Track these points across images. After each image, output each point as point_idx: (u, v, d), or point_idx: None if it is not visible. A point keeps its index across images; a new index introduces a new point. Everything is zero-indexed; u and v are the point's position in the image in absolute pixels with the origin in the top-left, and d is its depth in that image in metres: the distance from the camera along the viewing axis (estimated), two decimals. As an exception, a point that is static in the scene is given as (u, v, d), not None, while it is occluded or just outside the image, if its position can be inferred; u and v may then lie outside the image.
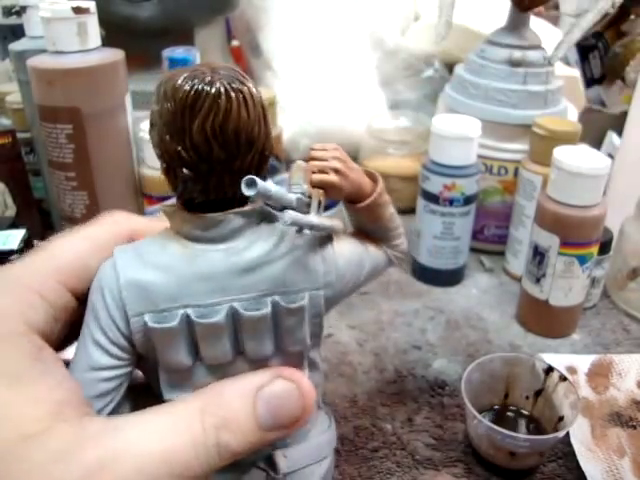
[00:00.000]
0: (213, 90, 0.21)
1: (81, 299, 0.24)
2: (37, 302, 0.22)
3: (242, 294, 0.23)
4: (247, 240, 0.23)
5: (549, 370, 0.40)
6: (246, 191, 0.21)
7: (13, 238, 0.49)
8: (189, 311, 0.23)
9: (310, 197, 0.24)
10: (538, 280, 0.50)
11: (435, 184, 0.54)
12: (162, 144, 0.22)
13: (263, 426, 0.21)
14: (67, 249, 0.24)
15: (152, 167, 0.51)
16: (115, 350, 0.23)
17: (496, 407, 0.42)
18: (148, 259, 0.23)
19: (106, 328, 0.23)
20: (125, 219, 0.26)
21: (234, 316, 0.23)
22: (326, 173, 0.25)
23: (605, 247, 0.52)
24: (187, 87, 0.21)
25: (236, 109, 0.21)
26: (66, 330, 0.24)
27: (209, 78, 0.21)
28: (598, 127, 0.76)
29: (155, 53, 0.54)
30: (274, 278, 0.23)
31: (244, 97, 0.22)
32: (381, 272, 0.30)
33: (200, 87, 0.21)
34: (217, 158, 0.22)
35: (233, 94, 0.21)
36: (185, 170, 0.22)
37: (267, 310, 0.23)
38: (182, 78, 0.21)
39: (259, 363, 0.24)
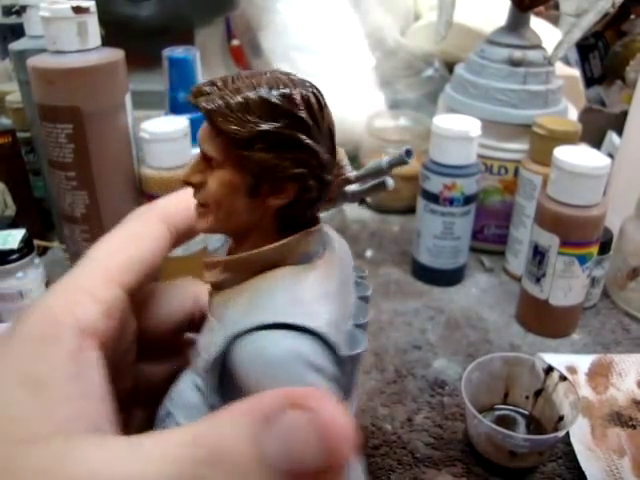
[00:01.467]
0: (318, 92, 0.21)
1: (130, 292, 0.24)
2: (85, 300, 0.21)
3: (352, 281, 0.24)
4: (330, 235, 0.24)
5: (549, 370, 0.40)
6: (409, 159, 0.23)
7: (13, 238, 0.49)
8: (351, 322, 0.23)
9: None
10: (538, 280, 0.50)
11: (435, 184, 0.54)
12: (304, 155, 0.20)
13: (274, 468, 0.16)
14: (108, 248, 0.24)
15: (152, 167, 0.51)
16: None
17: (496, 407, 0.42)
18: (314, 298, 0.21)
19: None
20: (150, 207, 0.26)
21: (364, 301, 0.24)
22: None
23: (605, 247, 0.52)
24: (306, 92, 0.20)
25: None
26: (120, 326, 0.24)
27: (299, 81, 0.21)
28: (598, 127, 0.76)
29: (155, 53, 0.54)
30: (348, 260, 0.25)
31: None
32: None
33: (312, 90, 0.21)
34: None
35: None
36: (328, 176, 0.21)
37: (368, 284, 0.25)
38: (287, 87, 0.20)
39: None
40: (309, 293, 0.21)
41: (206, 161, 0.21)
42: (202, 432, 0.17)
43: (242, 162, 0.20)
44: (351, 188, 0.24)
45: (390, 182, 0.25)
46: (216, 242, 0.31)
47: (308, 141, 0.20)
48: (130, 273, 0.24)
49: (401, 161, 0.23)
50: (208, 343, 0.21)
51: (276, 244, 0.21)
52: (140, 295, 0.25)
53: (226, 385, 0.21)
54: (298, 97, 0.20)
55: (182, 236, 0.27)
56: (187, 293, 0.28)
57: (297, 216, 0.22)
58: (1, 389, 0.18)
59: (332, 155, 0.22)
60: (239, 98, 0.20)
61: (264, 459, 0.16)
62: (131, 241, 0.24)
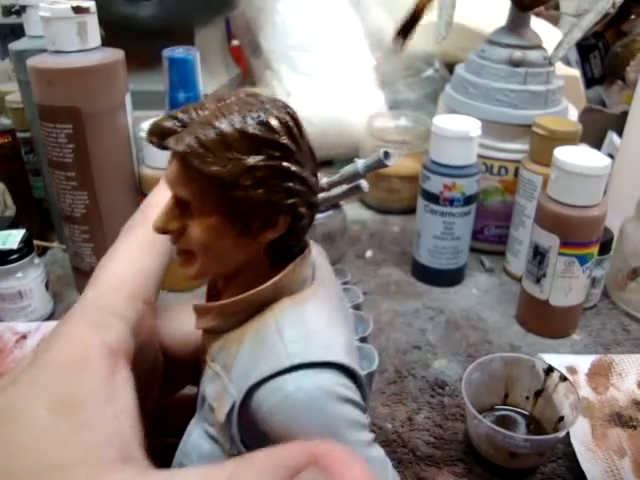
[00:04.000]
0: (292, 111, 0.20)
1: (150, 304, 0.24)
2: (112, 321, 0.22)
3: (341, 290, 0.24)
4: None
5: (549, 370, 0.40)
6: (388, 162, 0.22)
7: (13, 238, 0.49)
8: (356, 337, 0.23)
9: None
10: (538, 280, 0.50)
11: (435, 184, 0.54)
12: (293, 184, 0.19)
13: None
14: (121, 262, 0.24)
15: (152, 167, 0.51)
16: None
17: (496, 407, 0.42)
18: (323, 326, 0.20)
19: (365, 422, 0.20)
20: (146, 214, 0.26)
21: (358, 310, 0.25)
22: None
23: (605, 247, 0.52)
24: (282, 115, 0.19)
25: None
26: (146, 340, 0.24)
27: (270, 102, 0.19)
28: (598, 127, 0.76)
29: (155, 53, 0.54)
30: (328, 265, 0.25)
31: None
32: None
33: (287, 110, 0.19)
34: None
35: None
36: (318, 196, 0.21)
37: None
38: (261, 112, 0.19)
39: None
40: (316, 322, 0.20)
41: (181, 206, 0.19)
42: (236, 475, 0.17)
43: (227, 204, 0.18)
44: (322, 195, 0.23)
45: (364, 184, 0.23)
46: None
47: (295, 168, 0.19)
48: (148, 286, 0.24)
49: (379, 164, 0.22)
50: (218, 393, 0.20)
51: (274, 280, 0.20)
52: (162, 319, 0.25)
53: (247, 433, 0.20)
54: (276, 122, 0.18)
55: None
56: None
57: (290, 246, 0.21)
58: (31, 416, 0.18)
59: (315, 174, 0.20)
60: (213, 134, 0.18)
61: None
62: (142, 253, 0.24)
